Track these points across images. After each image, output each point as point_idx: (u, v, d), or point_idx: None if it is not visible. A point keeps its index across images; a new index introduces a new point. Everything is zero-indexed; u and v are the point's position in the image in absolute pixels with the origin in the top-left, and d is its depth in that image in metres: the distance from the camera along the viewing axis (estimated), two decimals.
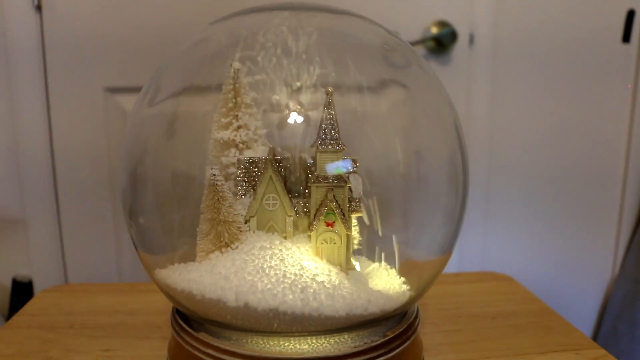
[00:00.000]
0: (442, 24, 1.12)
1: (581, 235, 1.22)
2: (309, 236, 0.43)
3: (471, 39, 1.13)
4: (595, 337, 1.25)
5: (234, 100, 0.46)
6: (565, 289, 1.23)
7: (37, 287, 1.10)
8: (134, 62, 1.03)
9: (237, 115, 0.46)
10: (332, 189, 0.42)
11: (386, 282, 0.46)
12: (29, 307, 0.66)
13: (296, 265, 0.40)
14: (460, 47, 1.13)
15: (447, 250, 0.47)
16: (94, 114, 1.05)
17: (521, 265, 1.19)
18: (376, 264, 0.48)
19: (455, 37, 1.12)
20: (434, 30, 1.11)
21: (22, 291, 1.08)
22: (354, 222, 0.45)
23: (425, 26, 1.11)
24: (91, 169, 1.07)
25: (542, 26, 1.13)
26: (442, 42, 1.11)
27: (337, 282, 0.40)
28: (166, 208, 0.46)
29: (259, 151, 0.46)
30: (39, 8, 1.02)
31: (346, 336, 0.41)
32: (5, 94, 1.03)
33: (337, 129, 0.42)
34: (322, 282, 0.40)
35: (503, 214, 1.18)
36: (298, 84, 0.45)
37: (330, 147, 0.42)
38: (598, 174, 1.19)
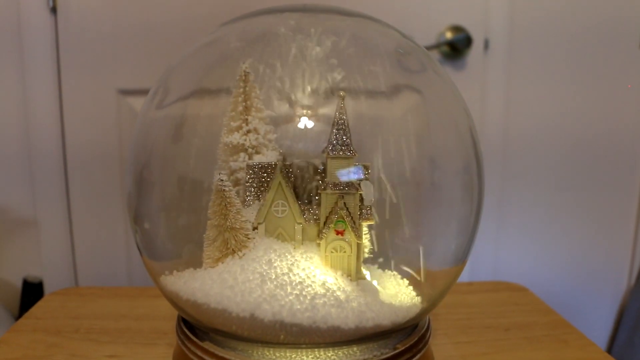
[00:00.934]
0: (457, 28, 1.10)
1: (596, 244, 1.19)
2: (319, 244, 0.41)
3: (486, 44, 1.12)
4: (610, 349, 1.22)
5: (244, 103, 0.45)
6: (579, 299, 1.21)
7: (48, 288, 1.10)
8: (147, 64, 1.03)
9: (246, 119, 0.45)
10: (342, 196, 0.41)
11: (397, 292, 0.44)
12: (35, 310, 0.65)
13: (305, 275, 0.39)
14: (475, 52, 1.11)
15: (461, 260, 0.45)
16: (106, 116, 1.05)
17: (534, 274, 1.16)
18: (387, 274, 0.47)
19: (470, 42, 1.10)
20: (449, 35, 1.10)
21: (32, 292, 1.08)
22: (365, 230, 0.44)
23: (439, 31, 1.10)
24: (103, 171, 1.06)
25: (558, 31, 1.11)
26: (456, 47, 1.10)
27: (346, 292, 0.39)
28: (172, 213, 0.45)
29: (269, 156, 0.45)
30: (54, 10, 1.02)
31: (355, 349, 0.40)
32: (20, 95, 1.03)
33: (348, 135, 0.41)
34: (331, 292, 0.38)
35: (516, 221, 1.16)
36: (309, 87, 0.43)
37: (341, 153, 0.41)
38: (614, 183, 1.17)
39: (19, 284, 1.09)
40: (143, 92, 1.03)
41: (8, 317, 1.04)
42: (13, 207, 1.09)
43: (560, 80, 1.13)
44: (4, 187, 1.08)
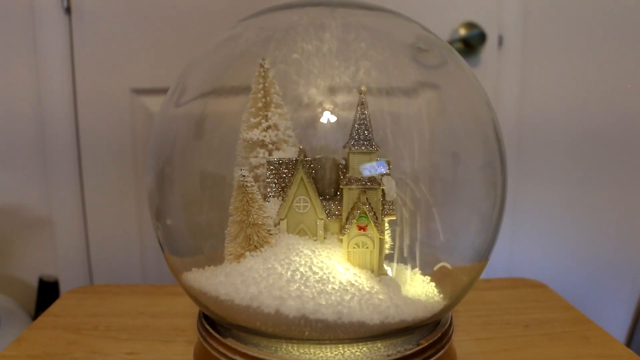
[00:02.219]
0: (471, 25, 1.09)
1: (613, 240, 1.18)
2: (341, 240, 0.41)
3: (500, 41, 1.11)
4: (628, 346, 1.21)
5: (264, 99, 0.45)
6: (595, 297, 1.20)
7: (63, 287, 1.10)
8: (160, 63, 1.03)
9: (266, 115, 0.45)
10: (364, 192, 0.41)
11: (420, 289, 0.44)
12: (54, 307, 0.66)
13: (328, 271, 0.39)
14: (488, 49, 1.11)
15: (483, 257, 0.45)
16: (120, 115, 1.05)
17: (549, 270, 1.16)
18: (408, 270, 0.46)
19: (484, 38, 1.09)
20: (462, 31, 1.09)
21: (48, 291, 1.09)
22: (386, 226, 0.44)
23: (453, 28, 1.09)
24: (117, 170, 1.07)
25: (572, 27, 1.10)
26: (470, 44, 1.09)
27: (370, 288, 0.39)
28: (194, 209, 0.45)
29: (289, 152, 0.45)
30: (68, 10, 1.02)
31: (379, 344, 0.40)
32: (34, 94, 1.04)
33: (370, 129, 0.41)
34: (355, 288, 0.38)
35: (530, 217, 1.15)
36: (330, 82, 0.43)
37: (363, 148, 0.41)
38: (630, 177, 1.16)
39: (34, 283, 1.10)
40: (157, 91, 1.04)
41: (25, 316, 1.04)
42: (28, 207, 1.10)
43: (575, 77, 1.12)
44: (19, 186, 1.08)
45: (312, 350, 0.39)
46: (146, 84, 1.05)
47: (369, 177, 0.41)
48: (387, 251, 0.44)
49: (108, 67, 1.04)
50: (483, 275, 0.48)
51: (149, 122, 1.05)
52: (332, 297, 0.37)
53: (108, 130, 1.06)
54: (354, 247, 0.41)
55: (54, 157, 1.06)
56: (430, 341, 0.41)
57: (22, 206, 1.10)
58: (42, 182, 1.07)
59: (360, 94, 0.41)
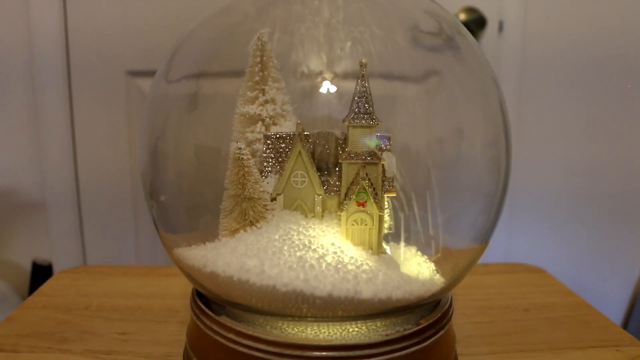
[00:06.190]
0: (471, 10, 1.08)
1: (609, 228, 1.18)
2: (339, 216, 0.40)
3: (500, 27, 1.10)
4: None
5: (261, 73, 0.43)
6: (590, 284, 1.19)
7: (57, 270, 1.09)
8: (155, 45, 1.01)
9: (263, 89, 0.44)
10: (364, 167, 0.39)
11: (419, 268, 0.43)
12: (45, 287, 0.64)
13: (325, 247, 0.38)
14: (489, 35, 1.09)
15: (485, 238, 0.44)
16: (115, 98, 1.04)
17: (545, 256, 1.15)
18: (408, 249, 0.45)
19: (484, 24, 1.08)
20: (462, 16, 1.08)
21: (41, 274, 1.08)
22: (386, 204, 0.43)
23: (453, 12, 1.08)
24: (111, 153, 1.06)
25: (573, 15, 1.09)
26: (470, 29, 1.08)
27: (368, 266, 0.37)
28: (188, 185, 0.44)
29: (286, 127, 0.43)
30: None
31: (379, 323, 0.38)
32: (29, 77, 1.02)
33: (370, 103, 0.39)
34: (354, 265, 0.37)
35: (529, 204, 1.15)
36: (329, 55, 0.42)
37: (363, 121, 0.39)
38: (627, 167, 1.15)
39: (28, 267, 1.09)
40: (152, 73, 1.02)
41: (18, 299, 1.03)
42: (21, 190, 1.08)
43: (576, 65, 1.10)
44: (13, 169, 1.07)
45: (308, 329, 0.38)
46: (141, 66, 1.03)
47: (369, 152, 0.39)
48: (386, 230, 0.43)
49: (103, 49, 1.02)
50: (481, 260, 0.47)
51: (144, 104, 1.04)
52: (331, 274, 0.36)
53: (103, 113, 1.04)
54: (353, 224, 0.40)
55: (48, 140, 1.05)
56: (430, 321, 0.40)
57: (16, 189, 1.08)
58: (36, 165, 1.06)
59: (361, 66, 0.39)
